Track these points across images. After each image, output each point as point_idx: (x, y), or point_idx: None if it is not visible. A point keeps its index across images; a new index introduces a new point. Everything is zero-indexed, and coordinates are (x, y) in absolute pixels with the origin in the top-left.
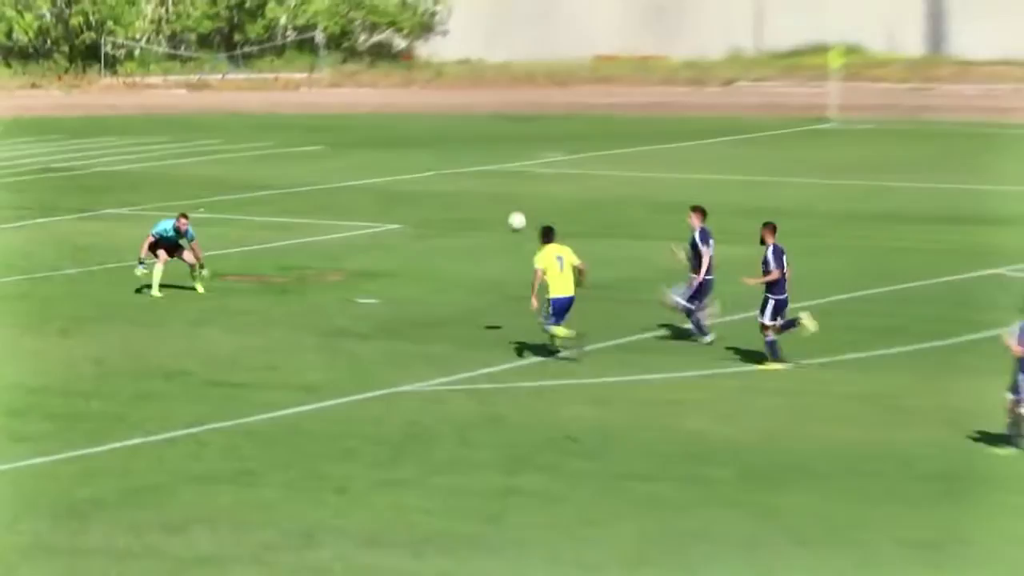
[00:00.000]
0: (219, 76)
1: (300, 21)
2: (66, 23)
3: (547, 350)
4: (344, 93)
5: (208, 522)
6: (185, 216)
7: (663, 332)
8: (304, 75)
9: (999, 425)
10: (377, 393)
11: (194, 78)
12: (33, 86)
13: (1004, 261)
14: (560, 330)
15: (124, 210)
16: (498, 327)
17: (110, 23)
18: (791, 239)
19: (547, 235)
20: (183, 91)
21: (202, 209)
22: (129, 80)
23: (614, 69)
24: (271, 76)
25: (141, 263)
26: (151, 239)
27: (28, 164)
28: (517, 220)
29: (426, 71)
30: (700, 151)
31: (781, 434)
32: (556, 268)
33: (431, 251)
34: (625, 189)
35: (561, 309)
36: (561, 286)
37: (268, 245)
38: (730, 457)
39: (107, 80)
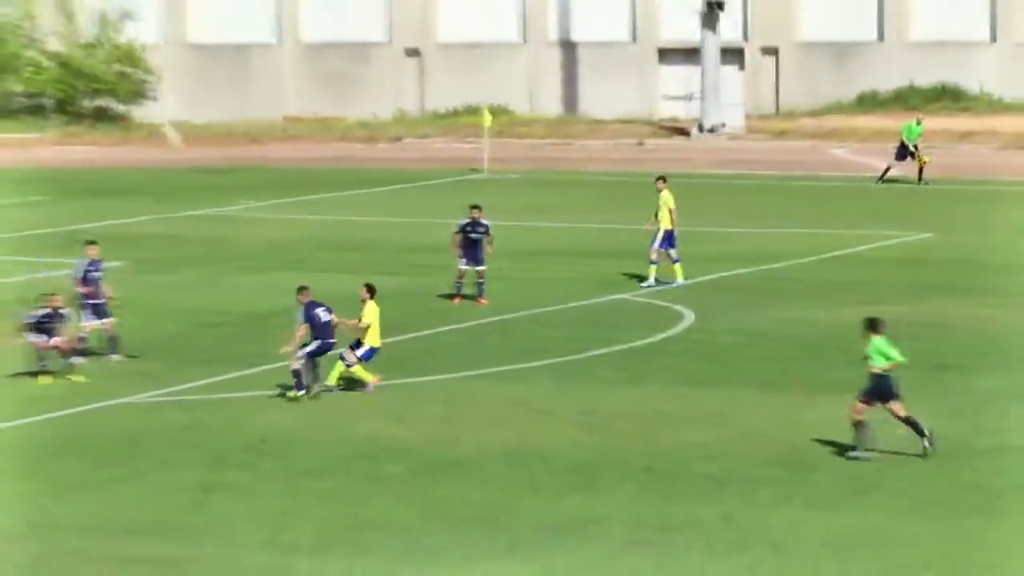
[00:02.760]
0: None
1: (30, 88)
2: None
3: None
4: (70, 150)
5: None
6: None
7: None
8: (35, 136)
9: (633, 424)
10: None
11: None
12: None
13: (629, 287)
14: None
15: None
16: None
17: None
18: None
19: None
20: None
21: None
22: None
23: (301, 128)
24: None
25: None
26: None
27: None
28: None
29: (140, 131)
30: (371, 197)
31: (442, 435)
32: None
33: (147, 284)
34: (308, 230)
35: None
36: None
37: None
38: (399, 455)
39: None
